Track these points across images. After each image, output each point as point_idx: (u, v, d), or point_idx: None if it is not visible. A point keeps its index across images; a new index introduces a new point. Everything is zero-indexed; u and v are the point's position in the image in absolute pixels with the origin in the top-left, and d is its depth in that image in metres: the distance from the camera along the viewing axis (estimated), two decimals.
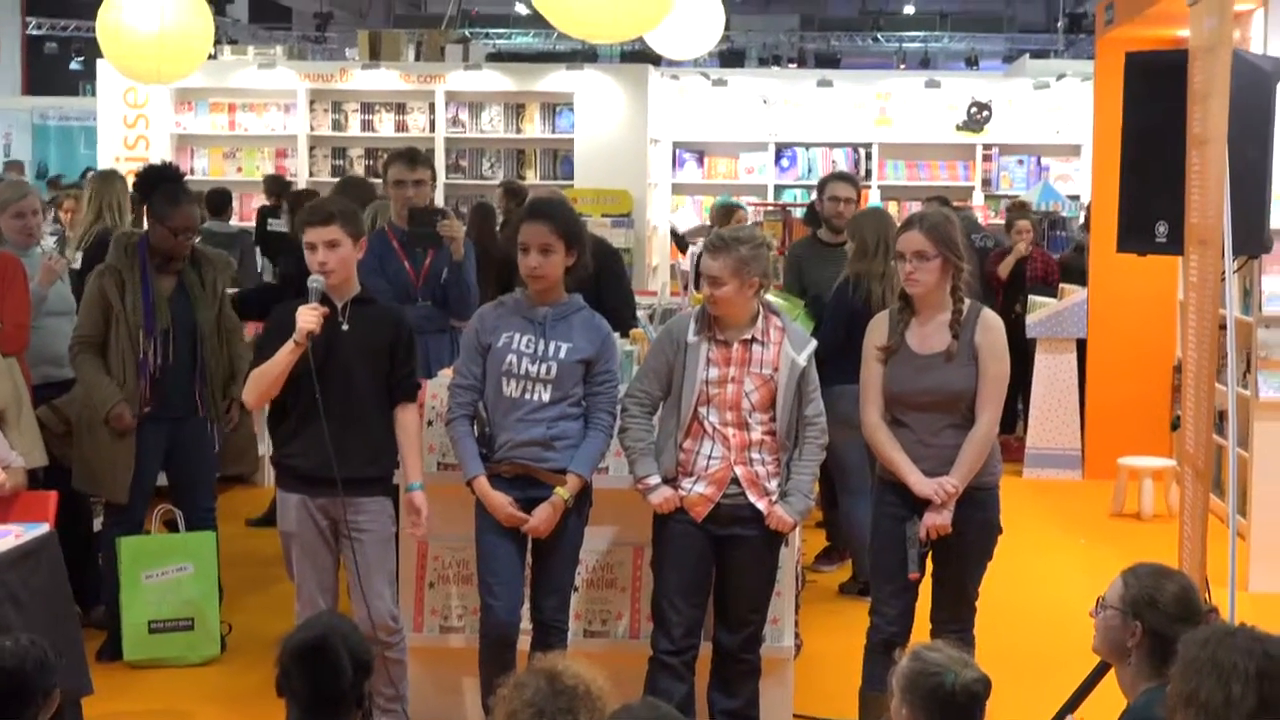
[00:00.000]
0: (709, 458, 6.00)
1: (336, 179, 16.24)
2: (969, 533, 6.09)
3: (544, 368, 6.03)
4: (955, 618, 6.15)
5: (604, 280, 8.32)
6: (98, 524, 8.26)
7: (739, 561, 6.09)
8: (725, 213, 15.47)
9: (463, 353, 6.23)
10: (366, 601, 6.14)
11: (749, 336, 6.00)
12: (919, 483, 6.01)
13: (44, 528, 6.17)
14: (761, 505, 6.01)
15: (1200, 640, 3.78)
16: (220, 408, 7.78)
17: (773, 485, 6.04)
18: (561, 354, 6.04)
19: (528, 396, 6.05)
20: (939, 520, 5.99)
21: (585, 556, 6.57)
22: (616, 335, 6.76)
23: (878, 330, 6.21)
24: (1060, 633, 7.75)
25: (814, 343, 6.19)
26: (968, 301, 6.11)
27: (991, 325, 6.11)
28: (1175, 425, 9.83)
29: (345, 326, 6.10)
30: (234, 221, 15.29)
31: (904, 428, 6.11)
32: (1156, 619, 4.40)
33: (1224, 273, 6.55)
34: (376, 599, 6.17)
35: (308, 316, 5.95)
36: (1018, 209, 13.93)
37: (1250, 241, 6.61)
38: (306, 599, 6.23)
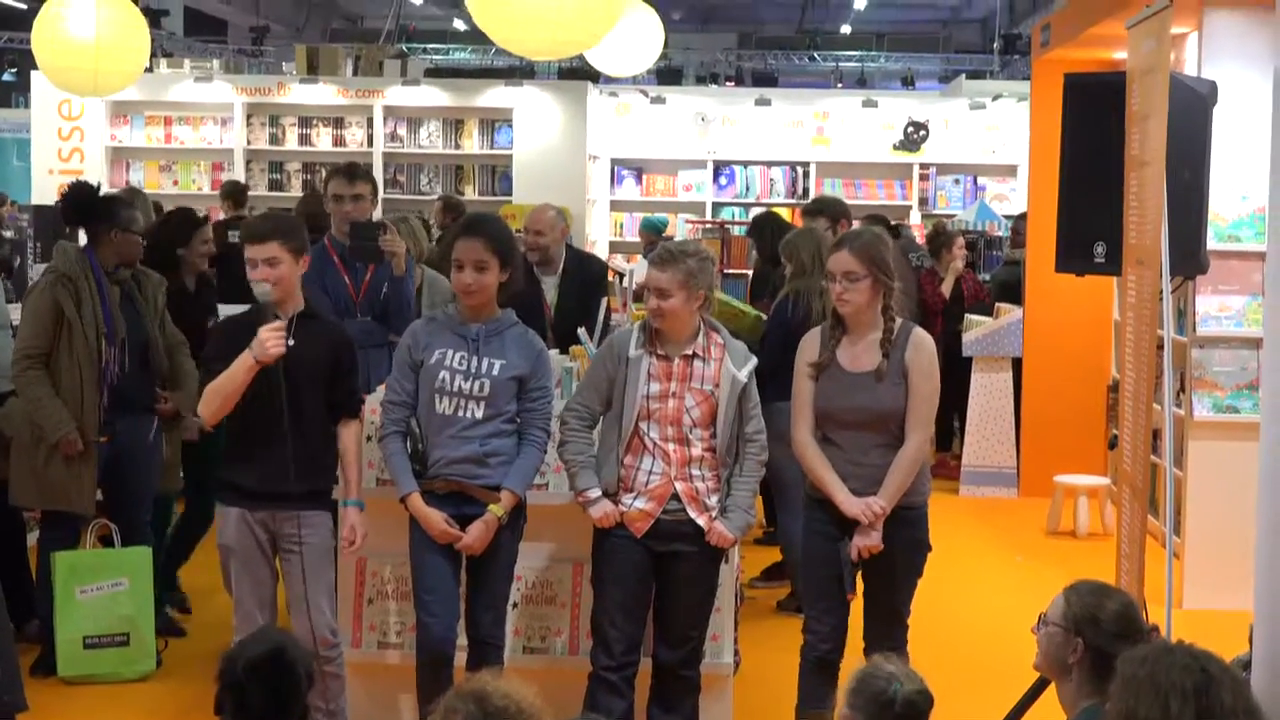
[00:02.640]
0: (649, 473, 6.00)
1: (273, 193, 16.25)
2: (898, 551, 6.09)
3: (477, 384, 6.02)
4: (887, 635, 6.13)
5: (596, 295, 8.41)
6: (31, 538, 8.19)
7: (679, 577, 6.09)
8: (655, 232, 15.57)
9: (395, 369, 6.20)
10: (308, 614, 6.10)
11: (690, 352, 6.02)
12: (846, 502, 6.01)
13: None
14: (702, 521, 6.01)
15: (1139, 658, 3.80)
16: (169, 425, 7.81)
17: (713, 501, 6.06)
18: (494, 371, 6.03)
19: (460, 413, 6.03)
20: (868, 541, 5.99)
21: (524, 572, 6.56)
22: (555, 351, 6.78)
23: (809, 347, 6.22)
24: (996, 649, 7.79)
25: (754, 360, 6.18)
26: (899, 320, 6.13)
27: (922, 344, 6.12)
28: (1113, 444, 9.91)
29: (290, 342, 6.05)
30: None
31: (834, 446, 6.11)
32: (1098, 636, 4.42)
33: (1161, 293, 6.60)
34: (316, 612, 6.14)
35: (274, 341, 5.89)
36: (940, 234, 14.10)
37: (1187, 262, 6.67)
38: (244, 614, 6.16)
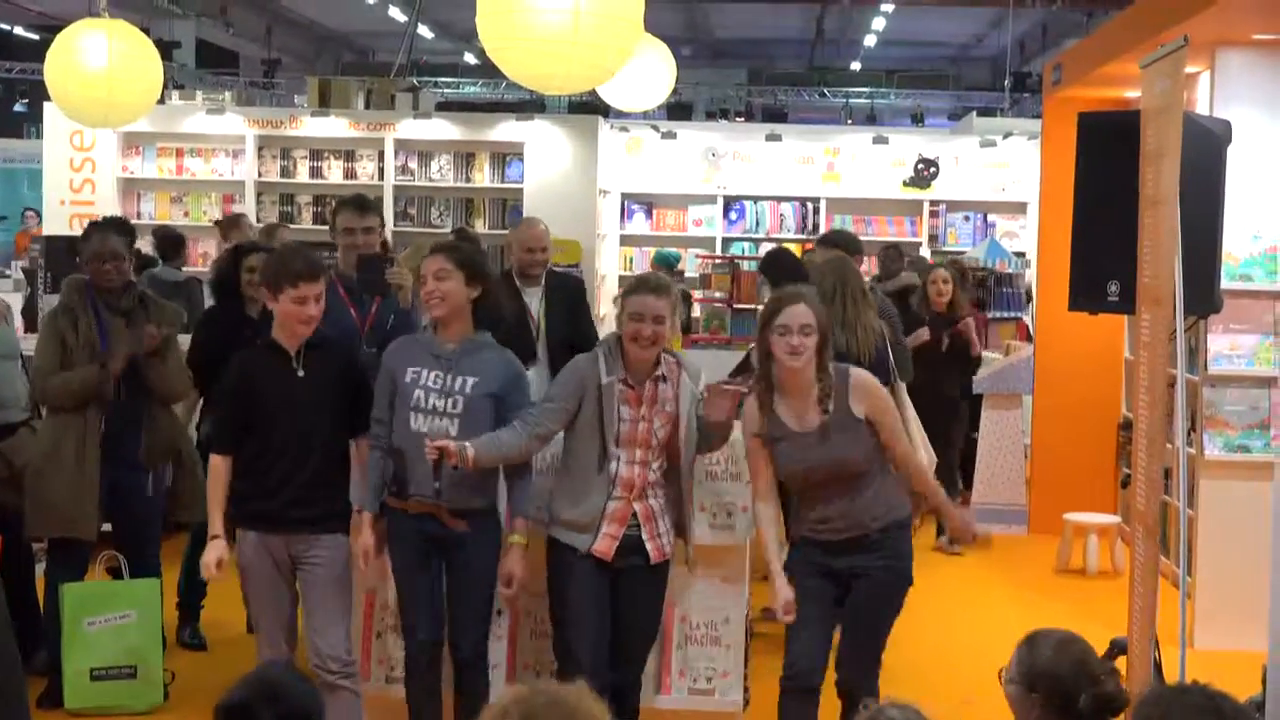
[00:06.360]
0: (609, 497, 6.12)
1: (283, 225, 16.21)
2: (874, 580, 6.11)
3: (450, 402, 6.12)
4: (858, 673, 6.19)
5: (580, 312, 8.63)
6: (40, 569, 8.18)
7: (629, 594, 6.20)
8: (668, 266, 15.56)
9: (376, 387, 6.33)
10: (315, 634, 6.27)
11: (658, 374, 6.15)
12: (782, 587, 6.07)
13: None
14: (650, 547, 6.15)
15: (1154, 699, 3.77)
16: (163, 455, 7.78)
17: (665, 524, 6.20)
18: (468, 388, 6.13)
19: (436, 431, 6.11)
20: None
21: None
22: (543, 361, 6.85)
23: (750, 420, 6.26)
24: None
25: (703, 371, 6.35)
26: (830, 368, 6.16)
27: (863, 384, 6.18)
28: (1126, 483, 9.88)
29: (301, 372, 6.24)
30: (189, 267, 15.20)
31: (807, 503, 6.20)
32: (1053, 688, 4.37)
33: (1175, 332, 6.58)
34: (329, 630, 6.28)
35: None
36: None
37: (1201, 301, 6.64)
38: (265, 636, 6.35)
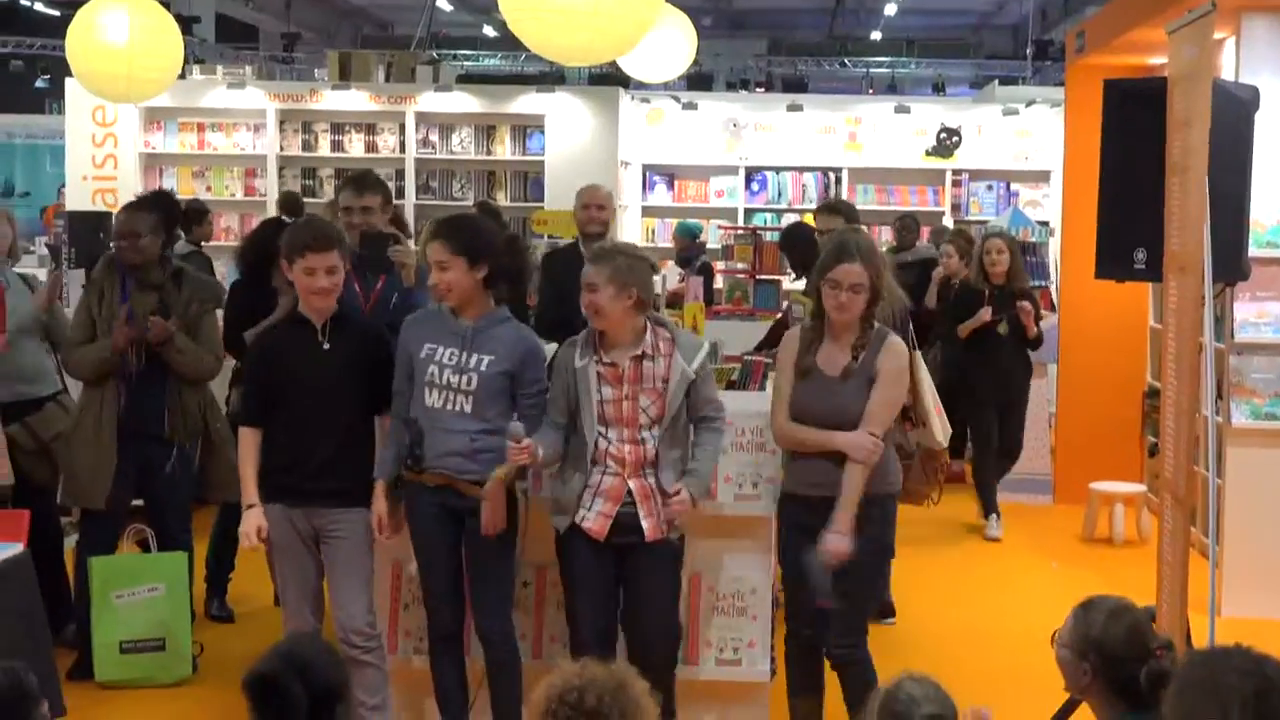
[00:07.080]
0: (603, 474, 6.10)
1: (305, 199, 16.22)
2: (857, 550, 6.10)
3: (464, 379, 6.10)
4: (845, 640, 6.24)
5: None
6: (69, 542, 8.22)
7: (636, 571, 6.17)
8: (690, 236, 15.53)
9: (395, 361, 6.32)
10: (337, 608, 6.30)
11: (639, 352, 6.08)
12: (844, 441, 6.05)
13: (17, 547, 6.18)
14: (647, 525, 6.08)
15: (1197, 661, 3.77)
16: (188, 431, 7.79)
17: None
18: (482, 366, 6.11)
19: (449, 407, 6.11)
20: (838, 545, 6.00)
21: None
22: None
23: (790, 348, 6.32)
24: (1033, 657, 7.72)
25: (705, 350, 6.27)
26: (875, 325, 6.23)
27: (894, 349, 6.21)
28: (1153, 452, 9.86)
29: (326, 345, 6.25)
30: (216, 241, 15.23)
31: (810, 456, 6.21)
32: (1105, 659, 4.37)
33: (1204, 300, 6.56)
34: (351, 603, 6.28)
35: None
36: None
37: (1229, 269, 6.62)
38: (291, 606, 6.37)
